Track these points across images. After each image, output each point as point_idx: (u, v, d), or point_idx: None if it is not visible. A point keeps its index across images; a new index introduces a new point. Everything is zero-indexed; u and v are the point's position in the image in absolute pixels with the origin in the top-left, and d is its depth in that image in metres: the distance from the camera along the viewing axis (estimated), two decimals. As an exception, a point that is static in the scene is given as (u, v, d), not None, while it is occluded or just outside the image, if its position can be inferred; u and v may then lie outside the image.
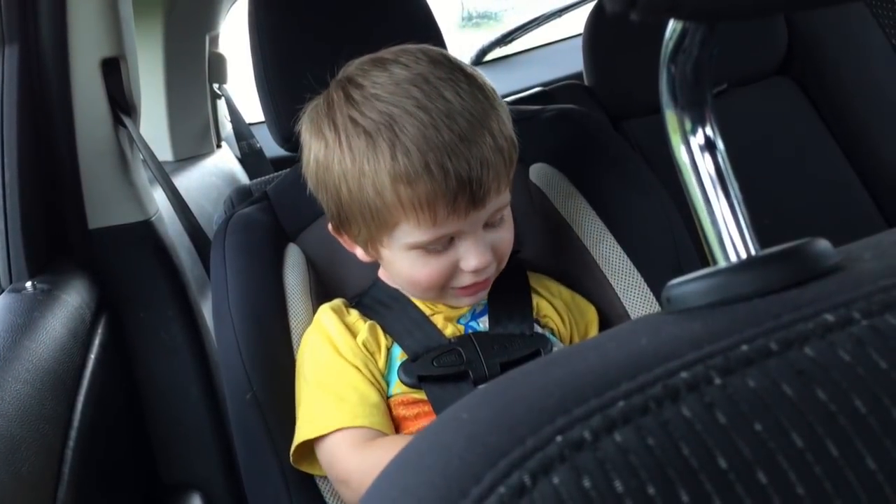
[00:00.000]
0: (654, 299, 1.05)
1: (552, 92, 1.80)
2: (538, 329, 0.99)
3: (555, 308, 1.04)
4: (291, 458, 0.93)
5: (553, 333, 1.01)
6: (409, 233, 0.88)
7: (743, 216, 0.36)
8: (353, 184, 0.87)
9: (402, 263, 0.92)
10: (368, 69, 0.89)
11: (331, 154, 0.88)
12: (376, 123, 0.84)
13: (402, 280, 0.96)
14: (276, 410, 0.97)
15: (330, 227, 0.99)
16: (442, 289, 0.93)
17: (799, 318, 0.28)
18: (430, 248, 0.89)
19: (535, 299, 1.03)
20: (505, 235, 0.94)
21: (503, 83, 2.18)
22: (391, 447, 0.86)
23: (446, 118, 0.83)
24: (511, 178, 0.92)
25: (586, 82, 1.84)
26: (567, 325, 1.03)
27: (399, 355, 0.95)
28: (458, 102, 0.85)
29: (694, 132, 0.35)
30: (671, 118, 0.36)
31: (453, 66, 0.89)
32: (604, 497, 0.24)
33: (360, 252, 0.98)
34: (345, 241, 0.99)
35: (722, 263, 0.35)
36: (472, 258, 0.89)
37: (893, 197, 1.76)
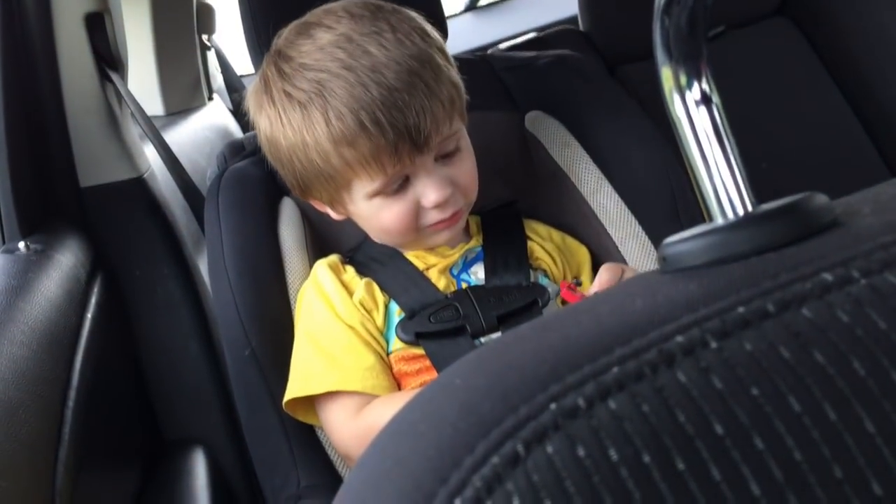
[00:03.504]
0: (653, 248, 1.04)
1: (547, 38, 1.77)
2: (533, 276, 0.99)
3: (546, 250, 1.05)
4: (284, 407, 0.94)
5: (546, 275, 1.02)
6: (364, 185, 0.91)
7: (740, 171, 0.35)
8: (301, 155, 0.90)
9: (369, 213, 0.94)
10: (293, 39, 0.91)
11: (276, 131, 0.91)
12: (308, 93, 0.87)
13: (376, 231, 0.98)
14: (275, 366, 0.98)
15: (297, 195, 1.01)
16: (415, 231, 0.95)
17: (796, 277, 0.28)
18: (388, 192, 0.91)
19: (528, 244, 1.04)
20: (463, 166, 0.95)
21: (497, 28, 2.14)
22: (382, 409, 0.87)
23: (372, 73, 0.85)
24: (459, 115, 0.93)
25: (581, 27, 1.80)
26: (560, 266, 1.04)
27: (397, 311, 0.95)
28: (382, 55, 0.86)
29: (689, 86, 0.34)
30: (666, 72, 0.34)
31: (376, 17, 0.90)
32: (598, 465, 0.24)
33: (331, 212, 1.00)
34: (317, 204, 1.01)
35: (719, 220, 0.35)
36: (431, 192, 0.91)
37: (893, 138, 1.74)
